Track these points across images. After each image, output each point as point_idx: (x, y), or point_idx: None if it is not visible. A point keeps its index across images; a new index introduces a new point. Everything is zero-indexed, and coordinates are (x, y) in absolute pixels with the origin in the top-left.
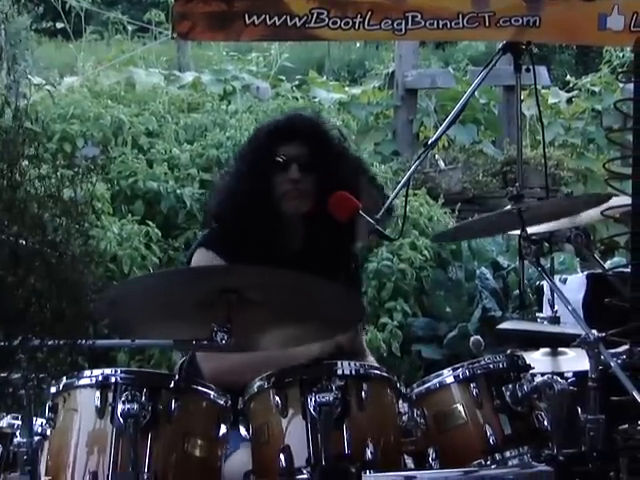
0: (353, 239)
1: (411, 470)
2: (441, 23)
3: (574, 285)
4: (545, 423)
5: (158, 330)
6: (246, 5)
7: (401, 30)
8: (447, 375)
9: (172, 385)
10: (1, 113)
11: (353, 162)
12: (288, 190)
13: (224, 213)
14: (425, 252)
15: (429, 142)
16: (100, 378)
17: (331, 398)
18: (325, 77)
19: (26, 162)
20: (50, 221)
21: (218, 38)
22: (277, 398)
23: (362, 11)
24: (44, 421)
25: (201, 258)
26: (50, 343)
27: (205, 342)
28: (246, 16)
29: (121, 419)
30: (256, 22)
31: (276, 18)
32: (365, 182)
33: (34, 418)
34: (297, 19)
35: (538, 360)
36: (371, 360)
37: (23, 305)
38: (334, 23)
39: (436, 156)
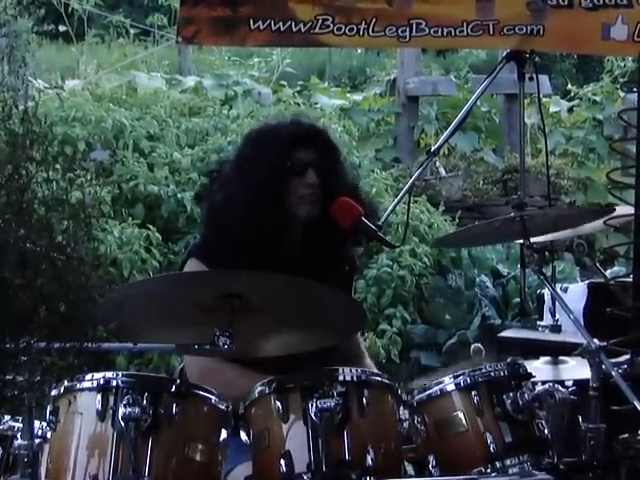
0: (350, 244)
1: (411, 477)
2: (445, 31)
3: (575, 294)
4: (546, 431)
5: (160, 334)
6: (251, 10)
7: (405, 37)
8: (448, 382)
9: (173, 389)
10: (9, 115)
11: (352, 167)
12: (305, 195)
13: (228, 219)
14: (425, 259)
15: (432, 149)
16: (101, 381)
17: (332, 404)
18: (326, 83)
19: (33, 165)
20: (57, 224)
21: (223, 43)
22: (278, 403)
23: (367, 18)
24: (45, 424)
25: (192, 269)
26: (57, 346)
27: (207, 347)
28: (251, 21)
29: (122, 422)
30: (261, 27)
31: (281, 24)
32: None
33: (35, 421)
34: (302, 25)
35: (539, 369)
36: (369, 363)
37: (30, 308)
38: (339, 29)
39: (437, 163)
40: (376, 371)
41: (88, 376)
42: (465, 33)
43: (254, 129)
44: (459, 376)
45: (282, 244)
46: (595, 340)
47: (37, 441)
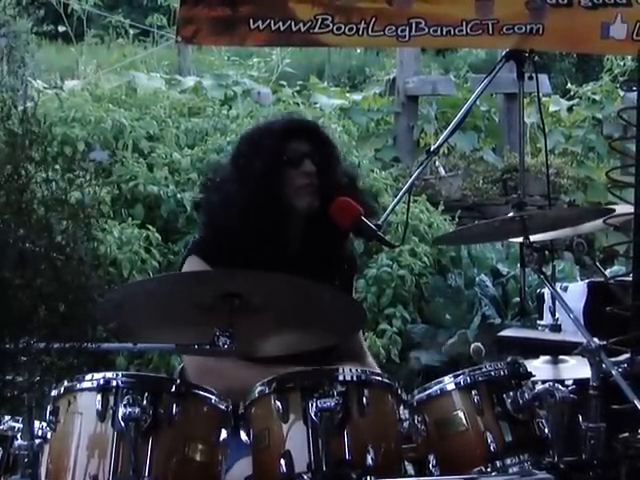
0: (350, 242)
1: (411, 477)
2: (445, 30)
3: (575, 293)
4: (546, 431)
5: (160, 334)
6: (251, 10)
7: (405, 37)
8: (448, 382)
9: (173, 389)
10: (8, 116)
11: (350, 165)
12: (303, 185)
13: (227, 219)
14: (425, 259)
15: (432, 149)
16: (101, 382)
17: (332, 404)
18: (326, 83)
19: (33, 165)
20: (57, 224)
21: (222, 43)
22: (278, 403)
23: (366, 17)
24: (45, 424)
25: (192, 266)
26: (56, 346)
27: (207, 347)
28: (251, 21)
29: (122, 423)
30: (261, 27)
31: (280, 23)
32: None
33: (35, 421)
34: (301, 25)
35: (539, 368)
36: (371, 362)
37: (29, 308)
38: (338, 29)
39: (436, 163)
40: (376, 370)
41: (88, 376)
42: (464, 32)
43: (248, 129)
44: (459, 375)
45: (282, 242)
46: (595, 339)
47: (37, 441)
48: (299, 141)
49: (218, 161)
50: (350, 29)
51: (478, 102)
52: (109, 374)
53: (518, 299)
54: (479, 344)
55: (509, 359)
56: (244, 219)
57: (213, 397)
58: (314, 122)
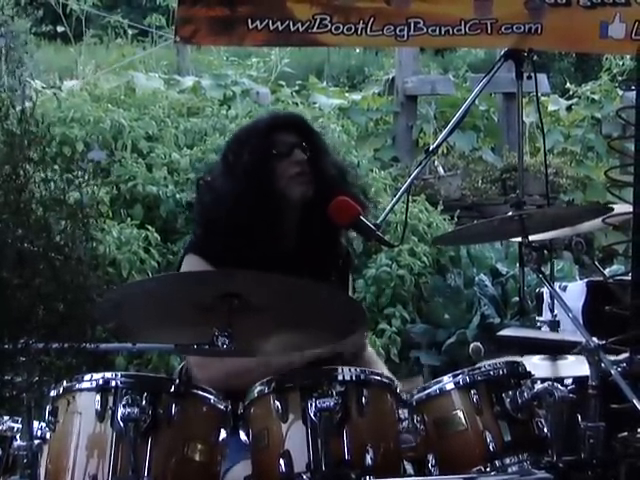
0: (345, 237)
1: (411, 476)
2: (443, 29)
3: (574, 292)
4: (545, 430)
5: (159, 334)
6: (249, 10)
7: (403, 36)
8: (447, 381)
9: (172, 389)
10: (6, 116)
11: (351, 167)
12: (295, 174)
13: (220, 219)
14: (424, 258)
15: (431, 148)
16: (100, 382)
17: (331, 403)
18: (325, 83)
19: (31, 165)
20: (55, 224)
21: (221, 43)
22: (277, 403)
23: (365, 17)
24: (44, 424)
25: (190, 264)
26: (55, 346)
27: (206, 347)
28: (249, 21)
29: (121, 423)
30: (259, 27)
31: (279, 23)
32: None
33: (34, 421)
34: (300, 24)
35: (538, 365)
36: (371, 352)
37: (28, 308)
38: (337, 29)
39: (435, 162)
40: (376, 370)
41: (87, 376)
42: (463, 32)
43: (237, 130)
44: (458, 375)
45: (277, 238)
46: (594, 338)
47: (36, 442)
48: (286, 133)
49: (216, 161)
50: (348, 29)
51: (477, 102)
52: (108, 374)
53: (517, 298)
54: (478, 344)
55: (508, 358)
56: (238, 218)
57: (212, 397)
58: (299, 115)
